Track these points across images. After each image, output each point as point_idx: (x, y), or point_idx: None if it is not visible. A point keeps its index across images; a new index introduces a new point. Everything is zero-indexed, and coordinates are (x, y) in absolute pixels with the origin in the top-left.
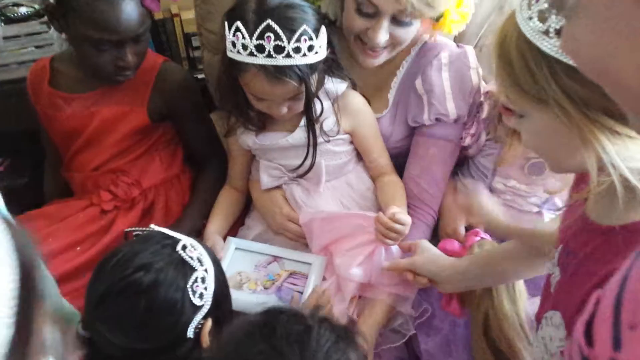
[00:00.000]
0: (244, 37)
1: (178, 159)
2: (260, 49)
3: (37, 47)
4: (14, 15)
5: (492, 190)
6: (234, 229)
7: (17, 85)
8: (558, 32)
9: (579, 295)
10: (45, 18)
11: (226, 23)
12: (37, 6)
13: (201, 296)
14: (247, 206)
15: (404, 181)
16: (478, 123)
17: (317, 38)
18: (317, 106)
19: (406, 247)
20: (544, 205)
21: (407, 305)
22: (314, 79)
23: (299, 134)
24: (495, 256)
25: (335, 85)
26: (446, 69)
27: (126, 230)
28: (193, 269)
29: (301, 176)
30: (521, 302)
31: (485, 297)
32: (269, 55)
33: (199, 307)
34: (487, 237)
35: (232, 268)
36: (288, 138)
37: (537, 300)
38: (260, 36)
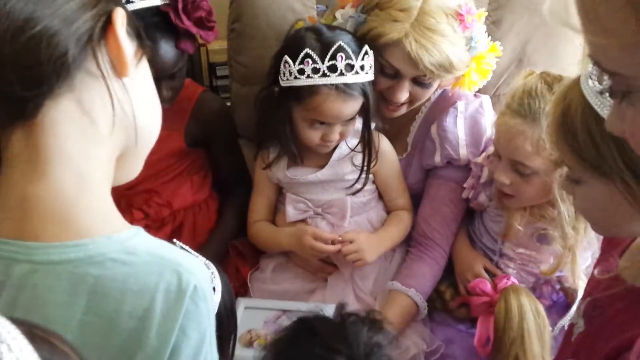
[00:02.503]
0: (314, 62)
1: (207, 184)
2: (332, 69)
3: None
4: None
5: (502, 255)
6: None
7: None
8: None
9: (603, 351)
10: None
11: (286, 57)
12: None
13: None
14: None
15: (416, 221)
16: (475, 178)
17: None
18: (350, 143)
19: None
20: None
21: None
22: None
23: (328, 171)
24: None
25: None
26: (462, 116)
27: None
28: None
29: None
30: (548, 346)
31: (517, 342)
32: (341, 74)
33: None
34: (516, 281)
35: (242, 327)
36: (317, 174)
37: None
38: (333, 57)
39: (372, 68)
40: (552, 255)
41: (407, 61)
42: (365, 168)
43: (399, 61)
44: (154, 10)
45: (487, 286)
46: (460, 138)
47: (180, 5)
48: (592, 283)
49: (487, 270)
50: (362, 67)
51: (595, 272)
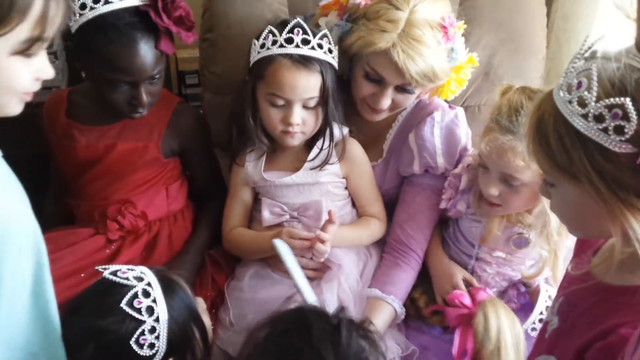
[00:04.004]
0: (274, 35)
1: (183, 194)
2: (289, 40)
3: None
4: None
5: (478, 259)
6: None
7: None
8: (596, 117)
9: (575, 346)
10: (52, 49)
11: (253, 40)
12: None
13: (152, 346)
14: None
15: (392, 226)
16: (453, 189)
17: (335, 50)
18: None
19: None
20: (532, 269)
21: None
22: (330, 87)
23: (303, 173)
24: None
25: (337, 130)
26: (438, 126)
27: (97, 267)
28: (140, 322)
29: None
30: (522, 356)
31: (494, 354)
32: (297, 46)
33: (152, 356)
34: (492, 293)
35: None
36: (293, 177)
37: None
38: (291, 31)
39: (335, 54)
40: (527, 258)
41: (393, 70)
42: (324, 148)
43: (385, 69)
44: (133, 10)
45: (466, 299)
46: (437, 147)
47: (160, 4)
48: (565, 282)
49: (464, 280)
50: (319, 45)
51: (569, 268)
